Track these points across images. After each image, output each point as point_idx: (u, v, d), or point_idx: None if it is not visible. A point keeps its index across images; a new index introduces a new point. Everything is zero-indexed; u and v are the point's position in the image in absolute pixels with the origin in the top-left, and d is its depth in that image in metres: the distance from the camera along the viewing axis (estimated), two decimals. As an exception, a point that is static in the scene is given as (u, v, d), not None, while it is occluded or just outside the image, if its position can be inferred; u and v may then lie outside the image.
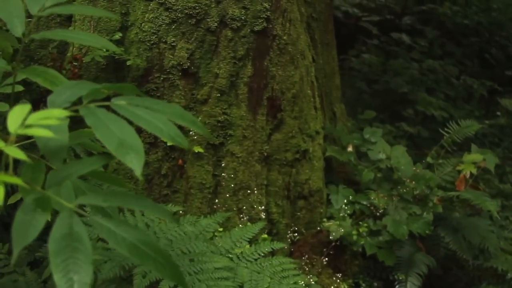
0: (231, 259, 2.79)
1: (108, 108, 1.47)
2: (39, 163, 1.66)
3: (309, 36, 4.03)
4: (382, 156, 4.11)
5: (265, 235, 3.34)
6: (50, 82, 1.67)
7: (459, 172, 4.15)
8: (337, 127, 4.40)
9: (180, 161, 3.36)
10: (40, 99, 3.52)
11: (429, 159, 4.33)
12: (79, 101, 1.52)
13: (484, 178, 5.45)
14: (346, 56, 8.28)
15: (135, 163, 1.30)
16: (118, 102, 1.47)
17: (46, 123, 1.29)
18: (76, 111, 1.43)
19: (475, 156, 4.14)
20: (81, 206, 1.36)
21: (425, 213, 3.83)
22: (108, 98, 1.50)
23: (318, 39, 4.24)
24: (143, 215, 2.77)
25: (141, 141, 1.35)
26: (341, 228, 3.45)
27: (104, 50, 3.42)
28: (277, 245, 2.98)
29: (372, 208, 3.71)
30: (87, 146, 2.09)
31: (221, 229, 3.13)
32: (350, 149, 4.26)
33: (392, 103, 7.90)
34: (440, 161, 4.32)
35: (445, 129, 4.56)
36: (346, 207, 3.80)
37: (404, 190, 3.80)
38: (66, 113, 1.31)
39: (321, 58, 4.32)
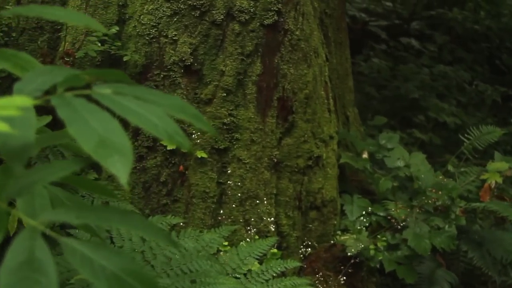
0: (239, 279, 2.46)
1: (90, 98, 1.16)
2: (8, 167, 1.35)
3: (322, 34, 3.72)
4: (400, 163, 3.80)
5: (275, 250, 3.02)
6: (21, 68, 1.36)
7: (483, 181, 3.83)
8: (351, 132, 4.09)
9: (181, 167, 3.04)
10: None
11: (450, 167, 4.01)
12: (54, 91, 1.22)
13: (498, 188, 5.17)
14: (353, 61, 8.02)
15: (120, 168, 0.98)
16: (102, 91, 1.15)
17: (5, 114, 0.98)
18: (48, 101, 1.12)
19: (500, 164, 3.84)
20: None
21: (447, 226, 3.52)
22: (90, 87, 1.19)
23: (331, 37, 3.93)
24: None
25: (129, 141, 1.03)
26: (360, 243, 3.13)
27: (99, 44, 3.12)
28: (291, 264, 2.65)
29: (393, 220, 3.38)
30: (72, 148, 1.78)
31: (226, 243, 2.81)
32: (365, 155, 3.94)
33: (401, 109, 7.73)
34: (462, 169, 4.00)
35: (465, 135, 4.25)
36: (364, 219, 3.47)
37: (429, 201, 3.47)
38: (30, 101, 1.01)
39: (334, 57, 4.01)
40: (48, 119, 1.92)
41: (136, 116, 1.11)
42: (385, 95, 7.67)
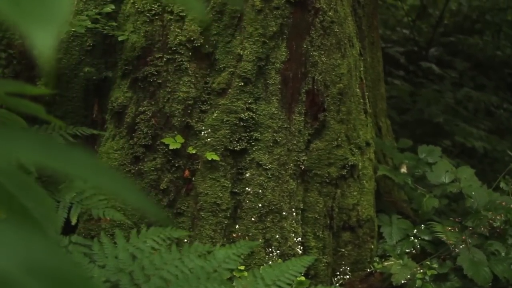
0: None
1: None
2: None
3: (356, 25, 3.16)
4: (446, 179, 3.20)
5: (302, 278, 2.41)
6: None
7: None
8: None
9: (186, 172, 2.47)
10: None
11: (502, 185, 3.42)
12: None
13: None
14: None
15: (39, 18, 0.41)
16: None
17: None
18: None
19: None
20: None
21: (503, 252, 2.94)
22: None
23: (365, 31, 3.37)
24: (127, 241, 1.84)
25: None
26: (408, 271, 2.52)
27: (90, 23, 2.58)
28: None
29: (450, 242, 2.77)
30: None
31: (242, 268, 2.21)
32: (403, 170, 3.36)
33: (423, 134, 7.35)
34: (516, 187, 3.41)
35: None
36: (406, 243, 2.89)
37: (485, 223, 2.87)
38: None
39: (368, 56, 3.45)
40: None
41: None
42: (406, 120, 7.30)
